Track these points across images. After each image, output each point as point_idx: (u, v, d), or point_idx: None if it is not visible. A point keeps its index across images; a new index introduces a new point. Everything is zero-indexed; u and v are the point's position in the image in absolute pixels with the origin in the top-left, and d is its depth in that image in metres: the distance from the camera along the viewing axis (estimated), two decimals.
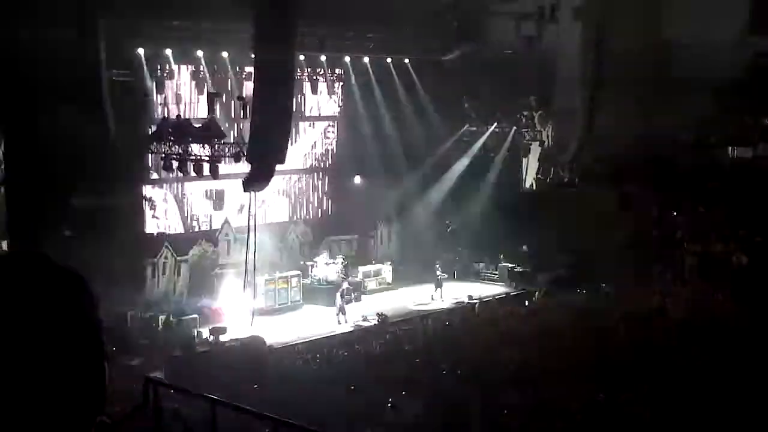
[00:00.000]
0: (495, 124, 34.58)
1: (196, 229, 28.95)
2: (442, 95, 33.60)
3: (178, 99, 27.47)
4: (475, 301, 28.39)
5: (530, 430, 15.98)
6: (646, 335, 21.68)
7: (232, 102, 27.78)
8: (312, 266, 29.50)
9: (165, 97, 27.12)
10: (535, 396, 17.47)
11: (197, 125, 25.57)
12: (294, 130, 29.02)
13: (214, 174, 25.10)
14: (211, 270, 27.97)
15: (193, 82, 27.92)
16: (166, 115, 26.44)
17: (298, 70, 28.47)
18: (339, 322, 26.15)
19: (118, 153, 24.98)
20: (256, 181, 25.22)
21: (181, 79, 27.73)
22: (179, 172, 25.39)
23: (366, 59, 32.20)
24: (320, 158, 32.85)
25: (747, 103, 30.99)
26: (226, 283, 27.07)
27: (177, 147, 25.10)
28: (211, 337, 23.14)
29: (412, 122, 33.29)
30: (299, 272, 28.85)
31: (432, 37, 32.60)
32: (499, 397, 17.44)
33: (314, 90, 31.87)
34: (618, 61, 30.55)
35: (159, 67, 26.87)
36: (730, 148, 32.49)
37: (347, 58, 31.94)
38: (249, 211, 26.36)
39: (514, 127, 34.43)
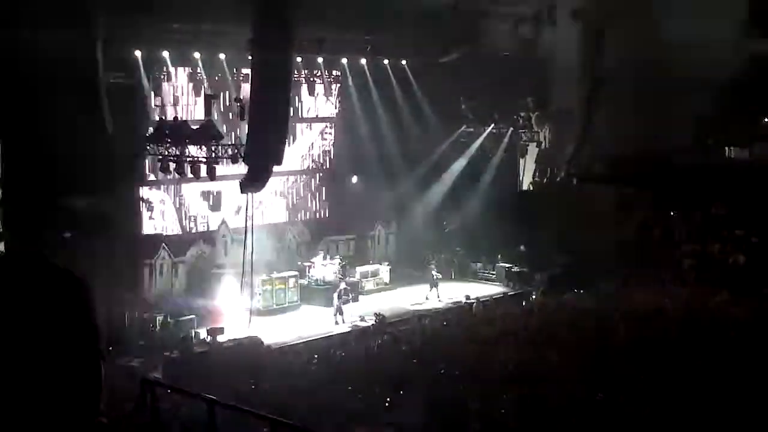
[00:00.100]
0: (492, 125, 34.57)
1: (194, 231, 28.97)
2: (439, 96, 33.59)
3: (175, 101, 27.49)
4: (473, 301, 28.43)
5: (528, 429, 15.99)
6: (644, 335, 21.69)
7: (229, 104, 27.78)
8: (309, 267, 29.53)
9: (162, 99, 27.14)
10: (532, 396, 17.48)
11: (194, 127, 25.57)
12: (291, 131, 29.06)
13: (212, 175, 25.10)
14: (208, 271, 28.00)
15: (191, 84, 27.94)
16: (163, 116, 26.45)
17: (296, 72, 28.47)
18: (336, 323, 26.18)
19: (116, 155, 24.98)
20: (253, 182, 25.27)
21: (179, 81, 27.75)
22: (176, 174, 25.40)
23: (363, 61, 32.21)
24: (317, 159, 32.86)
25: (744, 103, 31.04)
26: (224, 283, 27.07)
27: (174, 148, 25.11)
28: (209, 337, 23.18)
29: (410, 123, 33.32)
30: (297, 273, 28.87)
31: (429, 38, 32.63)
32: (496, 396, 17.45)
33: (311, 91, 31.88)
34: (615, 62, 30.58)
35: (156, 69, 26.91)
36: (727, 148, 32.55)
37: (344, 60, 31.96)
38: (246, 212, 26.41)
39: (512, 128, 34.43)
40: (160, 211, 28.02)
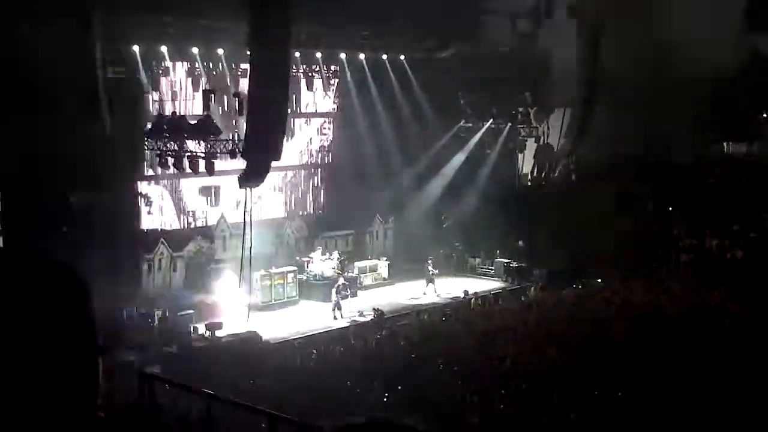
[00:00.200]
0: (491, 120, 34.58)
1: (192, 226, 29.00)
2: (437, 92, 33.59)
3: (173, 96, 27.50)
4: (471, 296, 28.44)
5: (526, 424, 16.03)
6: (642, 330, 21.72)
7: (228, 98, 27.78)
8: (308, 262, 29.52)
9: (161, 94, 27.15)
10: (530, 390, 17.51)
11: (193, 122, 25.58)
12: (289, 126, 29.06)
13: (210, 170, 25.11)
14: (207, 266, 28.02)
15: (189, 79, 27.95)
16: (161, 111, 26.47)
17: (294, 67, 28.46)
18: (335, 318, 26.19)
19: (114, 150, 24.98)
20: (251, 177, 25.26)
21: (177, 75, 27.76)
22: (175, 169, 25.42)
23: (362, 56, 32.22)
24: (316, 154, 32.87)
25: (742, 99, 31.05)
26: (222, 278, 27.09)
27: (172, 143, 25.14)
28: (207, 332, 23.19)
29: (408, 118, 33.32)
30: (295, 268, 28.86)
31: (428, 33, 32.60)
32: (495, 391, 17.49)
33: (310, 86, 31.87)
34: (614, 58, 30.58)
35: (155, 64, 26.92)
36: (725, 143, 32.58)
37: (343, 55, 31.95)
38: (245, 207, 26.39)
39: (510, 123, 34.45)
40: (159, 206, 28.05)
